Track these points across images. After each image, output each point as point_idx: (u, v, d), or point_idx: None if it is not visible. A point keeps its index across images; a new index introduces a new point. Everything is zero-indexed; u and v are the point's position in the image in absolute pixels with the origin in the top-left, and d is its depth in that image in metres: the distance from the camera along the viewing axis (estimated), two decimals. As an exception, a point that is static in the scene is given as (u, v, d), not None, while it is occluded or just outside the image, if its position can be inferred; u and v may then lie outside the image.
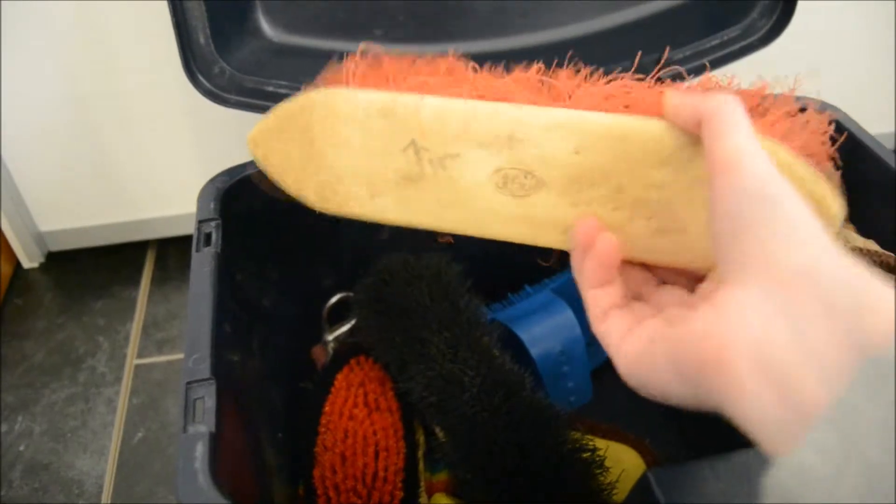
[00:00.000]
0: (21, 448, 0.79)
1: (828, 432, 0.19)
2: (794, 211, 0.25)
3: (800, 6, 0.66)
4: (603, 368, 0.71)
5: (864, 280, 0.22)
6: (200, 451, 0.37)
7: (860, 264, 0.22)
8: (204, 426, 0.38)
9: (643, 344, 0.30)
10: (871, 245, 0.59)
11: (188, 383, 0.41)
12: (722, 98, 0.30)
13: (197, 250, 0.51)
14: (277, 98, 0.63)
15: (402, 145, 0.40)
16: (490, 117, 0.38)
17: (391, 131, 0.40)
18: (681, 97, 0.33)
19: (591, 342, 0.66)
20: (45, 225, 0.99)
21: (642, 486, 0.35)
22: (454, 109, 0.39)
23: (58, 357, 0.89)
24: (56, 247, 1.02)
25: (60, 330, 0.93)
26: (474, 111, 0.38)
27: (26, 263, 1.01)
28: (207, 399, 0.40)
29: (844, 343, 0.20)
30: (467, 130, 0.38)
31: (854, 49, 0.99)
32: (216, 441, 0.38)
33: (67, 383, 0.86)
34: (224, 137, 0.91)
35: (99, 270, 1.01)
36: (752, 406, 0.23)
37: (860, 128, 0.65)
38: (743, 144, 0.27)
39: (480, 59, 0.71)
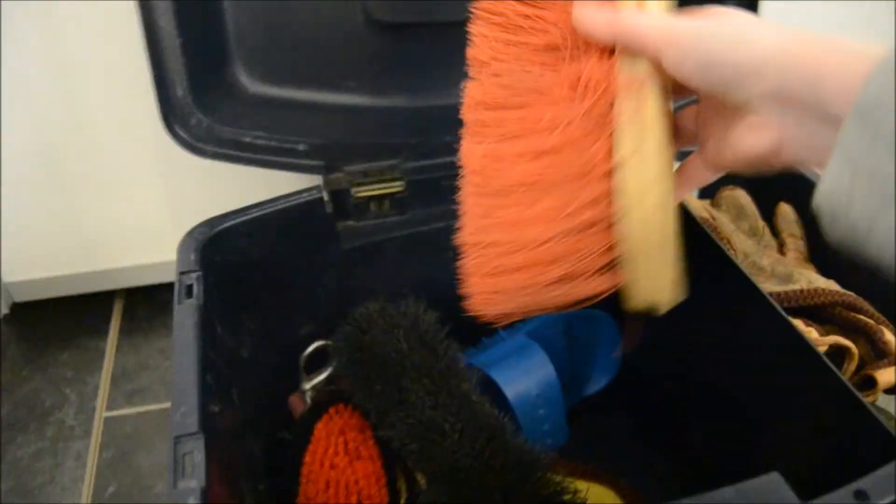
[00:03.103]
0: (-13, 507, 0.77)
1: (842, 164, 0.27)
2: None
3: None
4: (577, 409, 0.72)
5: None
6: (193, 506, 0.37)
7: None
8: (195, 481, 0.38)
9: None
10: (833, 285, 0.62)
11: (177, 437, 0.41)
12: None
13: (179, 302, 0.51)
14: (254, 149, 0.64)
15: None
16: None
17: None
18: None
19: (566, 384, 0.67)
20: (10, 276, 0.98)
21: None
22: None
23: (23, 411, 0.87)
24: (21, 298, 1.00)
25: (26, 382, 0.91)
26: None
27: (-10, 315, 0.99)
28: (196, 454, 0.40)
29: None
30: None
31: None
32: (206, 496, 0.38)
33: (34, 438, 0.84)
34: (194, 187, 0.92)
35: (65, 321, 0.99)
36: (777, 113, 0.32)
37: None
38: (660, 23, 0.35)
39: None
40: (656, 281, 0.40)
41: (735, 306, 0.57)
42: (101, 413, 0.87)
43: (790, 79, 0.31)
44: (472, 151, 0.44)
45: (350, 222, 0.65)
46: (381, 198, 0.64)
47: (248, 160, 0.63)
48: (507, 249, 0.42)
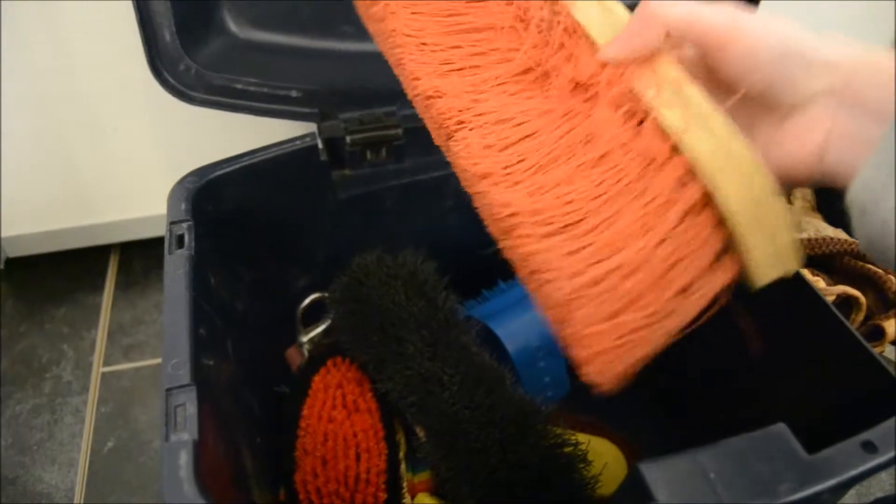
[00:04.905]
0: (-15, 462, 0.76)
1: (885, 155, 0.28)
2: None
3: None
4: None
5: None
6: (185, 459, 0.36)
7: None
8: (187, 434, 0.37)
9: None
10: (840, 234, 0.60)
11: (168, 389, 0.40)
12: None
13: (170, 253, 0.49)
14: (246, 95, 0.62)
15: None
16: None
17: None
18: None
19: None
20: (4, 230, 0.96)
21: (633, 480, 0.35)
22: None
23: (20, 367, 0.87)
24: (15, 253, 0.99)
25: (22, 339, 0.90)
26: None
27: (-17, 271, 0.98)
28: (189, 406, 0.39)
29: None
30: None
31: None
32: (199, 449, 0.37)
33: (32, 394, 0.83)
34: (187, 138, 0.90)
35: (61, 276, 0.98)
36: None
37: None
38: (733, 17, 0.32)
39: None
40: (776, 246, 0.35)
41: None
42: (98, 368, 0.86)
43: (863, 76, 0.31)
44: (514, 194, 0.36)
45: (346, 171, 0.63)
46: (377, 146, 0.62)
47: (239, 107, 0.61)
48: (624, 272, 0.33)
